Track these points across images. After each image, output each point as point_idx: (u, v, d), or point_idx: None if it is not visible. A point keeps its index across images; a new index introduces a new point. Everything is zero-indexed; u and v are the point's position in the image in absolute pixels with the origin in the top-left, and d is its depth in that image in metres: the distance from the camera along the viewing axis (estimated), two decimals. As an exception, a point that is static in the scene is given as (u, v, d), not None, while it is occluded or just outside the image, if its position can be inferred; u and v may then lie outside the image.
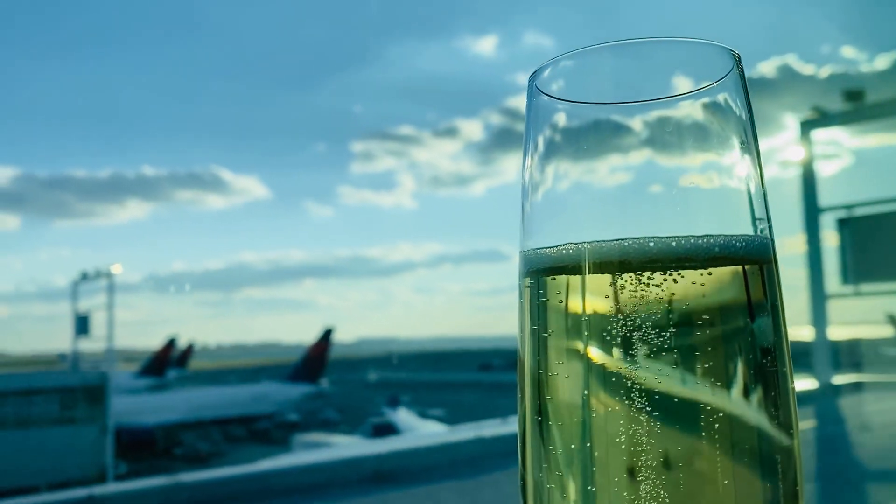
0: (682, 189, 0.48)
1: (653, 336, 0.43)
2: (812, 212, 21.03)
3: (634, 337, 0.43)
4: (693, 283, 0.44)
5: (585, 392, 0.43)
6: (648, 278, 0.44)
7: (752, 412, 0.43)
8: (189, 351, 53.49)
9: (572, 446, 0.44)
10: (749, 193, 0.48)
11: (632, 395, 0.42)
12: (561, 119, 0.49)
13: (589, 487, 0.43)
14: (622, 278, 0.44)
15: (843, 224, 19.97)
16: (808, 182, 21.31)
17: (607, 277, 0.44)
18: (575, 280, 0.45)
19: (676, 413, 0.42)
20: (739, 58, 0.49)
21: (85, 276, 30.63)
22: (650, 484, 0.41)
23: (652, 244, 0.45)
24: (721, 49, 0.48)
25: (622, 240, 0.45)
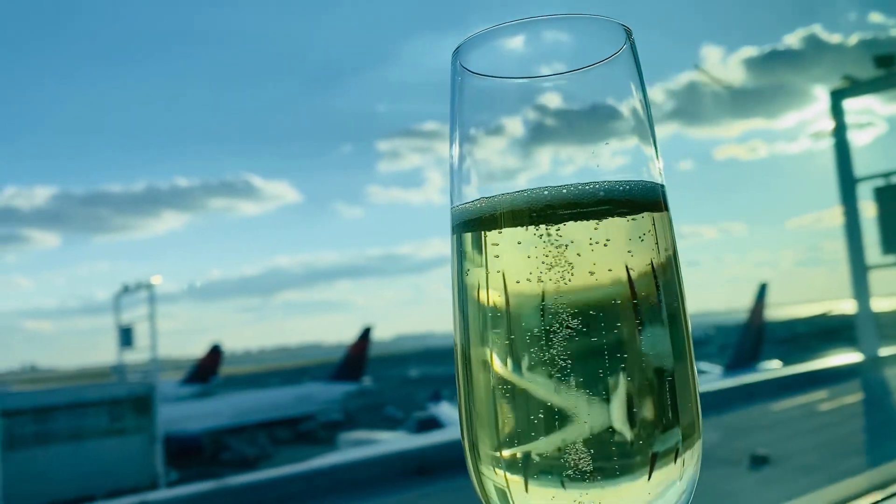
0: (585, 149, 0.55)
1: (550, 275, 0.49)
2: (848, 182, 20.63)
3: (531, 276, 0.50)
4: (584, 220, 0.50)
5: (495, 329, 0.51)
6: (546, 222, 0.51)
7: (645, 339, 0.49)
8: (217, 357, 53.80)
9: (487, 377, 0.51)
10: (643, 150, 0.55)
11: (532, 328, 0.49)
12: (477, 91, 0.56)
13: (508, 412, 0.50)
14: (522, 224, 0.51)
15: (880, 193, 19.55)
16: (842, 152, 20.90)
17: (512, 224, 0.52)
18: (487, 228, 0.53)
19: (575, 340, 0.48)
20: (631, 31, 0.56)
21: (126, 289, 31.20)
22: (560, 409, 0.48)
23: (546, 192, 0.51)
24: (616, 24, 0.55)
25: (521, 191, 0.53)
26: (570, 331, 0.48)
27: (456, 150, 0.57)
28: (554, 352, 0.48)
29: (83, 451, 25.34)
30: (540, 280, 0.49)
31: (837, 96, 20.24)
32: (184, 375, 52.68)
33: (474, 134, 0.57)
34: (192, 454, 33.84)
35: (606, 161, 0.54)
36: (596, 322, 0.48)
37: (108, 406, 26.78)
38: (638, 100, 0.55)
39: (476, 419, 0.52)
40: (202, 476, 21.71)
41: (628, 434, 0.47)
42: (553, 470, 0.48)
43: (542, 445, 0.48)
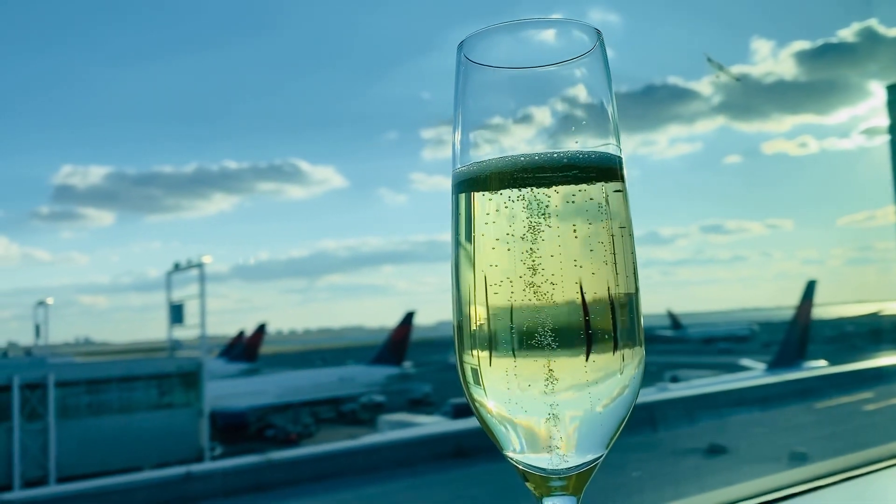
0: (561, 127, 0.71)
1: (524, 218, 0.67)
2: (903, 180, 20.14)
3: (509, 217, 0.67)
4: (551, 177, 0.68)
5: (478, 258, 0.69)
6: (521, 180, 0.68)
7: (597, 266, 0.67)
8: (260, 335, 54.46)
9: (471, 292, 0.69)
10: (608, 129, 0.72)
11: (506, 257, 0.67)
12: (476, 77, 0.73)
13: (506, 332, 0.67)
14: (503, 181, 0.69)
15: (935, 192, 19.08)
16: (898, 149, 20.40)
17: (497, 181, 0.69)
18: (476, 185, 0.70)
19: (540, 266, 0.66)
20: (601, 34, 0.72)
21: (177, 267, 31.91)
22: (524, 310, 0.66)
23: (523, 158, 0.68)
24: (590, 27, 0.72)
25: (504, 157, 0.69)
26: (537, 259, 0.66)
27: (459, 124, 0.74)
28: (524, 274, 0.66)
29: (132, 422, 26.08)
30: (513, 220, 0.67)
31: (894, 91, 19.76)
32: (227, 352, 53.59)
33: (472, 111, 0.72)
34: (237, 430, 34.56)
35: (577, 136, 0.70)
36: (559, 252, 0.66)
37: (158, 380, 27.50)
38: (604, 89, 0.72)
39: (463, 326, 0.71)
40: (246, 452, 22.24)
41: (576, 327, 0.65)
42: (511, 350, 0.66)
43: (506, 335, 0.67)
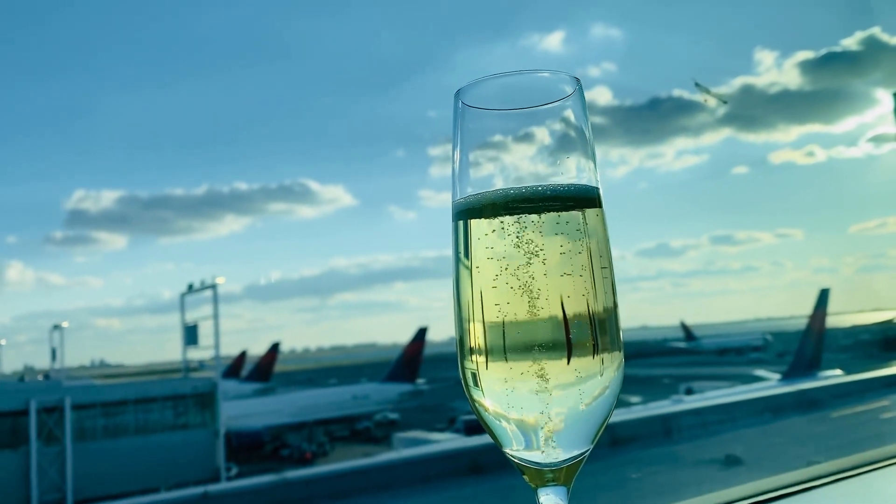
0: (547, 170, 0.81)
1: (516, 251, 0.77)
2: (913, 186, 20.05)
3: (500, 245, 0.77)
4: (537, 207, 0.78)
5: (475, 282, 0.79)
6: (510, 210, 0.78)
7: (580, 285, 0.77)
8: (274, 355, 54.44)
9: (469, 309, 0.79)
10: (587, 165, 0.82)
11: (499, 279, 0.77)
12: (471, 119, 0.83)
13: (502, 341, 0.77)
14: (496, 211, 0.79)
15: (946, 198, 18.99)
16: (908, 156, 20.32)
17: (490, 211, 0.79)
18: (472, 214, 0.80)
19: (530, 287, 0.76)
20: (580, 81, 0.83)
21: (191, 288, 32.03)
22: (514, 324, 0.76)
23: (512, 191, 0.79)
24: (570, 77, 0.83)
25: (496, 189, 0.80)
26: (526, 278, 0.76)
27: (457, 160, 0.84)
28: (515, 291, 0.76)
29: (149, 444, 26.18)
30: (505, 245, 0.77)
31: (902, 99, 19.70)
32: (229, 372, 53.66)
33: (468, 149, 0.83)
34: (252, 450, 34.60)
35: (560, 171, 0.81)
36: (544, 271, 0.76)
37: (173, 402, 27.62)
38: (584, 128, 0.83)
39: (463, 336, 0.81)
40: (262, 471, 22.30)
41: (559, 337, 0.75)
42: (504, 357, 0.76)
43: (500, 345, 0.76)
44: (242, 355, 56.77)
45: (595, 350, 0.76)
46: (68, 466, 24.46)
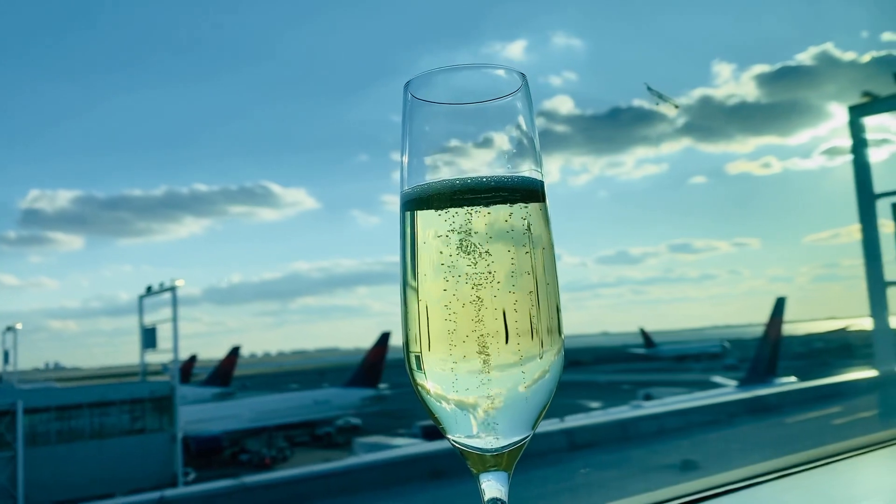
0: (493, 163, 0.83)
1: (460, 240, 0.78)
2: (866, 198, 20.57)
3: (447, 240, 0.79)
4: (482, 198, 0.80)
5: (425, 278, 0.80)
6: (456, 200, 0.80)
7: (526, 283, 0.79)
8: (234, 359, 53.69)
9: (415, 297, 0.81)
10: (531, 157, 0.84)
11: (443, 267, 0.79)
12: (420, 111, 0.85)
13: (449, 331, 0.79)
14: (441, 201, 0.80)
15: (898, 209, 19.56)
16: (862, 169, 20.85)
17: (436, 201, 0.80)
18: (419, 204, 0.82)
19: (473, 274, 0.78)
20: (525, 75, 0.85)
21: (150, 290, 31.57)
22: (456, 309, 0.78)
23: (458, 182, 0.80)
24: (516, 72, 0.85)
25: (443, 180, 0.81)
26: (468, 266, 0.78)
27: (406, 151, 0.86)
28: (458, 278, 0.78)
29: (104, 449, 25.71)
30: (449, 233, 0.79)
31: (856, 112, 20.27)
32: (204, 378, 53.04)
33: (416, 141, 0.84)
34: (211, 455, 34.19)
35: (506, 164, 0.83)
36: (487, 259, 0.78)
37: (130, 405, 27.17)
38: (529, 123, 0.85)
39: (408, 324, 0.82)
40: (220, 476, 22.01)
41: (500, 323, 0.77)
42: (448, 343, 0.78)
43: (443, 328, 0.78)
44: (192, 359, 55.97)
45: (534, 336, 0.79)
46: (20, 472, 23.86)
